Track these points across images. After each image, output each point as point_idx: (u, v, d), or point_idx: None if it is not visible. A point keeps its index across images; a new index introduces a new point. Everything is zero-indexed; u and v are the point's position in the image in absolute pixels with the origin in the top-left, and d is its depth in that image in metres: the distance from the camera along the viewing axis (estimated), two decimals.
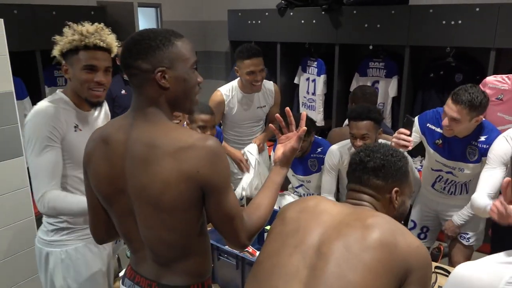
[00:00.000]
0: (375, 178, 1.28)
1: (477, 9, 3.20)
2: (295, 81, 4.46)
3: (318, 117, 4.23)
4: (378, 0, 3.69)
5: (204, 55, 5.33)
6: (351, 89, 4.08)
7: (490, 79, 2.58)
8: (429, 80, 3.72)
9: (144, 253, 1.27)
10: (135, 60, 1.12)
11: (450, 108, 2.02)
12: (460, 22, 3.28)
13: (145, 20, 4.60)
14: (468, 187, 2.28)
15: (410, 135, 1.95)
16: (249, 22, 4.41)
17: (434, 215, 2.45)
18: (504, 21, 3.09)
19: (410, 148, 1.95)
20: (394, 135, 2.02)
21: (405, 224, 2.50)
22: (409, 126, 1.98)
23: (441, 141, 2.21)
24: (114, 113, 3.29)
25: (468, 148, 2.15)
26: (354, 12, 3.76)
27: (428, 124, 2.24)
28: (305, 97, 4.40)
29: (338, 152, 2.51)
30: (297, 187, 2.87)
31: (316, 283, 1.11)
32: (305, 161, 2.68)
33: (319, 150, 2.66)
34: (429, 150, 2.29)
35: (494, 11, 3.13)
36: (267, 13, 4.27)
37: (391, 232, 1.15)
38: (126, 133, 1.18)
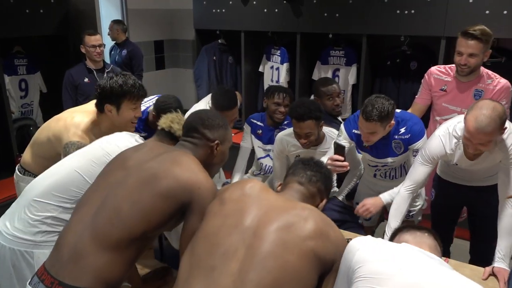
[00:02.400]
0: (312, 185, 1.47)
1: None
2: (260, 69, 4.54)
3: None
4: None
5: (171, 43, 5.35)
6: (314, 77, 4.19)
7: (434, 70, 2.65)
8: (386, 68, 3.84)
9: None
10: (204, 128, 1.52)
11: (363, 125, 2.11)
12: (413, 11, 3.40)
13: (109, 8, 4.58)
14: (406, 167, 2.40)
15: (344, 160, 2.10)
16: (214, 10, 4.44)
17: (377, 196, 2.58)
18: (453, 11, 3.22)
19: (347, 169, 2.14)
20: (328, 162, 2.11)
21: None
22: (341, 151, 2.13)
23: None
24: (77, 100, 3.32)
25: (393, 144, 2.27)
26: (314, 1, 3.84)
27: (354, 130, 2.33)
28: (269, 85, 4.47)
29: (284, 140, 2.59)
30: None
31: (252, 261, 1.16)
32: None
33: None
34: (361, 152, 2.43)
35: (444, 1, 3.25)
36: (231, 2, 4.32)
37: (325, 225, 1.27)
38: None
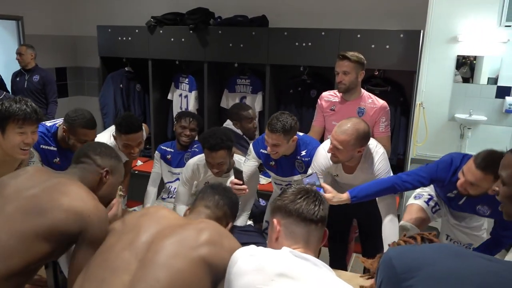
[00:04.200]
0: (219, 208, 1.55)
1: (323, 33, 3.63)
2: (169, 97, 4.55)
3: None
4: (241, 22, 3.98)
5: (76, 71, 5.16)
6: (222, 104, 4.31)
7: (325, 94, 2.96)
8: (289, 96, 4.08)
9: None
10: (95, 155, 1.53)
11: (269, 137, 2.33)
12: (310, 44, 3.69)
13: (6, 33, 4.31)
14: None
15: (242, 184, 2.28)
16: (120, 38, 4.39)
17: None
18: (344, 43, 3.55)
19: (246, 192, 2.31)
20: (229, 185, 2.27)
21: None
22: (240, 176, 2.29)
23: (274, 163, 2.54)
24: None
25: (296, 163, 2.49)
26: (220, 32, 3.99)
27: (261, 150, 2.55)
28: (178, 112, 4.49)
29: (195, 166, 2.62)
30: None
31: (144, 272, 1.18)
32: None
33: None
34: (268, 171, 2.60)
35: (336, 35, 3.58)
36: (137, 30, 4.31)
37: (219, 235, 1.32)
38: None
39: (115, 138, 2.56)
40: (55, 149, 2.43)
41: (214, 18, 4.13)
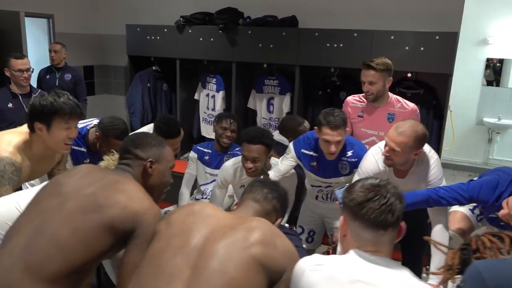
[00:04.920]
0: (268, 202, 1.49)
1: (355, 34, 3.58)
2: (195, 96, 4.54)
3: None
4: (270, 22, 3.95)
5: (102, 69, 5.20)
6: (249, 105, 4.29)
7: (350, 99, 2.87)
8: (318, 97, 4.03)
9: None
10: (135, 148, 1.50)
11: (332, 135, 2.23)
12: (341, 45, 3.64)
13: (36, 31, 4.36)
14: None
15: None
16: (148, 37, 4.41)
17: (319, 218, 2.67)
18: (377, 45, 3.50)
19: None
20: None
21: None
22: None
23: (315, 163, 2.46)
24: None
25: (339, 165, 2.42)
26: (249, 32, 3.97)
27: (302, 150, 2.47)
28: (205, 112, 4.49)
29: (231, 169, 2.58)
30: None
31: (198, 280, 1.15)
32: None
33: (349, 153, 2.44)
34: (307, 171, 2.51)
35: (369, 36, 3.53)
36: (166, 30, 4.32)
37: (272, 234, 1.27)
38: None
39: None
40: (85, 150, 2.44)
41: (243, 18, 4.11)
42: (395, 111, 2.70)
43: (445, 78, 3.47)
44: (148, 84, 4.56)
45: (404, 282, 1.13)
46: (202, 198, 2.97)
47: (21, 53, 3.27)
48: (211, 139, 4.31)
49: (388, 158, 2.08)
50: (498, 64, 5.58)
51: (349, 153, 2.39)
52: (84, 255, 1.25)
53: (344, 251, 1.26)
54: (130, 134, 1.62)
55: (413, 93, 3.63)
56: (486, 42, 5.46)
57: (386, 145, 2.07)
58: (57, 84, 4.01)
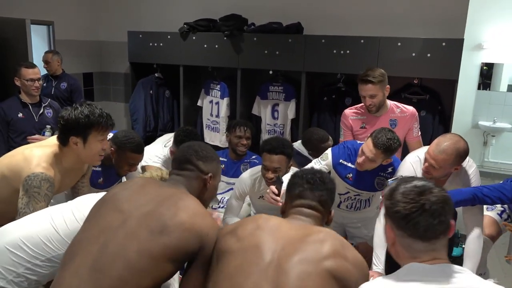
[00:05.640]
0: (321, 205, 1.42)
1: (362, 41, 3.61)
2: (198, 103, 4.52)
3: (222, 139, 4.33)
4: (276, 29, 3.97)
5: (102, 76, 5.13)
6: (253, 111, 4.29)
7: (348, 112, 2.84)
8: (323, 103, 4.05)
9: None
10: (197, 160, 1.48)
11: (369, 151, 2.20)
12: (348, 51, 3.67)
13: (37, 38, 4.28)
14: (371, 200, 2.54)
15: (278, 194, 2.12)
16: (151, 44, 4.38)
17: (340, 227, 2.66)
18: (384, 52, 3.54)
19: (279, 204, 2.04)
20: (267, 190, 2.18)
21: None
22: (279, 186, 2.16)
23: (351, 175, 2.42)
24: (8, 138, 3.01)
25: (376, 179, 2.38)
26: (254, 39, 3.98)
27: (341, 160, 2.42)
28: (208, 119, 4.48)
29: (250, 180, 2.56)
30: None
31: None
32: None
33: (389, 169, 2.40)
34: (340, 181, 2.44)
35: (376, 42, 3.57)
36: (169, 36, 4.29)
37: (342, 245, 1.25)
38: None
39: (171, 152, 2.53)
40: (99, 169, 2.39)
41: (247, 25, 4.12)
42: (397, 117, 2.74)
43: (450, 84, 3.53)
44: (151, 91, 4.51)
45: (473, 285, 1.10)
46: (219, 207, 2.95)
47: (30, 62, 3.20)
48: (214, 146, 4.31)
49: (428, 173, 2.05)
50: (485, 68, 5.71)
51: (389, 169, 2.36)
52: (153, 278, 1.22)
53: (398, 260, 1.22)
54: (190, 143, 1.57)
55: (419, 99, 3.69)
56: (481, 47, 5.58)
57: (426, 161, 2.04)
58: (52, 92, 3.92)
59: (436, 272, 1.11)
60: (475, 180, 2.09)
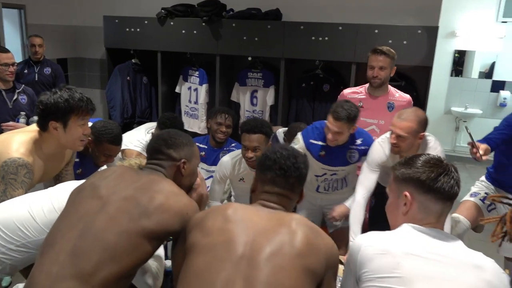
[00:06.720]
0: (291, 188, 1.37)
1: (340, 28, 3.65)
2: (177, 90, 4.49)
3: (201, 125, 4.33)
4: (255, 15, 3.96)
5: (77, 62, 5.02)
6: (232, 97, 4.29)
7: (346, 92, 2.96)
8: (302, 90, 4.09)
9: None
10: (168, 149, 1.48)
11: (333, 124, 2.33)
12: (326, 38, 3.70)
13: (8, 22, 4.15)
14: (348, 180, 2.63)
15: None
16: (127, 29, 4.30)
17: (318, 209, 2.75)
18: (362, 39, 3.59)
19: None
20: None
21: None
22: None
23: (324, 152, 2.51)
24: None
25: (348, 153, 2.50)
26: (233, 25, 3.96)
27: (311, 140, 2.52)
28: (187, 105, 4.45)
29: (230, 163, 2.60)
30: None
31: None
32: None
33: (358, 141, 2.50)
34: (314, 161, 2.53)
35: (353, 30, 3.61)
36: (146, 21, 4.23)
37: (313, 234, 1.24)
38: None
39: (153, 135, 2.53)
40: (77, 160, 2.35)
41: (226, 11, 4.09)
42: (395, 101, 2.85)
43: (425, 70, 3.61)
44: (128, 78, 4.45)
45: (458, 252, 1.19)
46: None
47: (3, 47, 3.10)
48: (194, 133, 4.31)
49: (396, 145, 2.20)
50: (457, 55, 5.86)
51: (359, 141, 2.48)
52: (133, 258, 1.24)
53: (394, 226, 1.32)
54: (160, 133, 1.59)
55: (395, 85, 3.72)
56: (454, 35, 5.71)
57: (392, 133, 2.19)
58: (36, 78, 3.84)
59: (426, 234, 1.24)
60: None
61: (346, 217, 2.45)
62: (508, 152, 2.35)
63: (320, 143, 2.50)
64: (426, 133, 2.29)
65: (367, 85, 2.93)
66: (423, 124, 2.18)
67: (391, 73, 2.81)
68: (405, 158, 1.37)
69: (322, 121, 2.54)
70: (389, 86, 2.90)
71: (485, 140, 2.28)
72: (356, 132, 2.47)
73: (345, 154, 2.50)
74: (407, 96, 2.89)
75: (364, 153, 2.46)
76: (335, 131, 2.33)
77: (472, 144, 2.15)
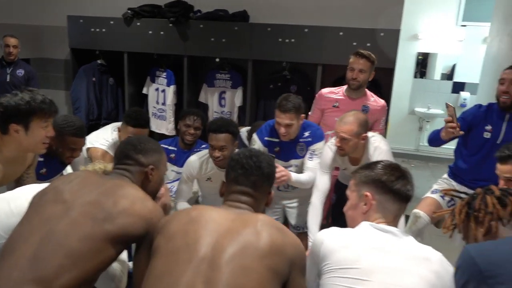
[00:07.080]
0: (258, 189, 1.40)
1: (306, 30, 3.71)
2: (144, 91, 4.44)
3: (169, 127, 4.30)
4: (222, 16, 3.97)
5: (40, 62, 4.88)
6: (200, 99, 4.28)
7: (324, 92, 3.05)
8: (269, 91, 4.12)
9: None
10: (136, 154, 1.48)
11: (282, 118, 2.42)
12: (293, 40, 3.76)
13: None
14: None
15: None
16: (93, 30, 4.23)
17: (281, 208, 2.82)
18: (327, 40, 3.66)
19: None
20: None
21: None
22: None
23: (278, 148, 2.61)
24: None
25: (297, 147, 2.61)
26: (201, 26, 3.96)
27: (266, 138, 2.62)
28: (155, 107, 4.42)
29: (197, 163, 2.61)
30: None
31: None
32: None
33: (306, 134, 2.60)
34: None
35: (319, 32, 3.68)
36: (112, 22, 4.17)
37: (278, 235, 1.24)
38: None
39: (119, 130, 2.52)
40: (41, 159, 2.30)
41: (193, 12, 4.09)
42: (370, 104, 2.93)
43: (388, 72, 3.72)
44: (93, 79, 4.38)
45: (410, 247, 1.30)
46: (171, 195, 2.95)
47: None
48: (162, 135, 4.28)
49: (340, 148, 2.32)
50: (420, 57, 6.06)
51: (306, 134, 2.59)
52: (95, 263, 1.23)
53: (353, 225, 1.41)
54: (130, 138, 1.58)
55: None
56: (417, 38, 5.89)
57: (336, 136, 2.32)
58: (8, 79, 3.71)
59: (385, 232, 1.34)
60: (384, 157, 2.26)
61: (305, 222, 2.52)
62: (465, 143, 2.55)
63: (274, 139, 2.59)
64: (371, 134, 2.44)
65: (345, 86, 2.99)
66: (364, 125, 2.30)
67: (369, 78, 2.88)
68: (366, 163, 1.52)
69: (272, 120, 2.63)
70: (367, 90, 2.97)
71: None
72: (305, 126, 2.58)
73: (295, 148, 2.60)
74: (382, 102, 2.99)
75: (310, 144, 2.56)
76: (286, 123, 2.42)
77: (453, 116, 2.28)
